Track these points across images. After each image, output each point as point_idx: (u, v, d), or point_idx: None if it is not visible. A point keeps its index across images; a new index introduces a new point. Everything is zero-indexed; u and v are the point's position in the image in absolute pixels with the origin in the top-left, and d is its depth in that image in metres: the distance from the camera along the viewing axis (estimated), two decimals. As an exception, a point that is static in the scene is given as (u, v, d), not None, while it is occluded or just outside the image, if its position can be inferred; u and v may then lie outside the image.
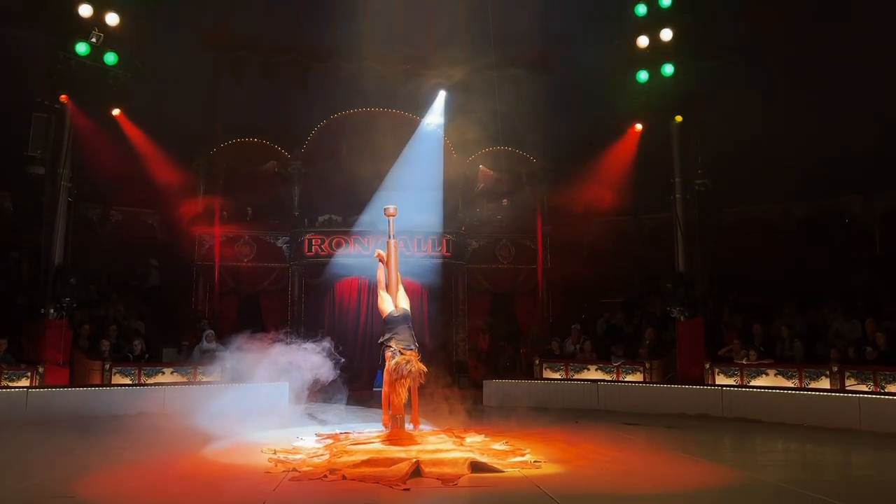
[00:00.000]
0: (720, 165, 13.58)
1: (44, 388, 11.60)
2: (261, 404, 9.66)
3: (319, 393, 10.32)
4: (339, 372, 9.74)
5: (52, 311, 12.20)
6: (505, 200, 16.90)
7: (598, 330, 14.77)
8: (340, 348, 9.90)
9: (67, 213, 12.71)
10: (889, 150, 12.95)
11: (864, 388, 10.49)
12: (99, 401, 11.60)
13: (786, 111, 13.88)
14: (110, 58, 12.70)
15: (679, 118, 13.59)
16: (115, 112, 13.79)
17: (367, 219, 15.06)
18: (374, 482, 6.43)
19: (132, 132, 14.21)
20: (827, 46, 13.65)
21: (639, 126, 14.55)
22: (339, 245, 15.29)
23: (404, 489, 6.16)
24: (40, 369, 11.70)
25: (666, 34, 13.21)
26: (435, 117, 15.87)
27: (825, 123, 13.25)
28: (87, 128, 12.96)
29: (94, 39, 12.39)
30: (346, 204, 15.57)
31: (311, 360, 9.74)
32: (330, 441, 8.60)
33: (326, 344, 9.81)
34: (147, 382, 12.45)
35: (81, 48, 12.40)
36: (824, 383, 10.94)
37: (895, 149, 12.83)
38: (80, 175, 13.00)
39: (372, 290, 15.61)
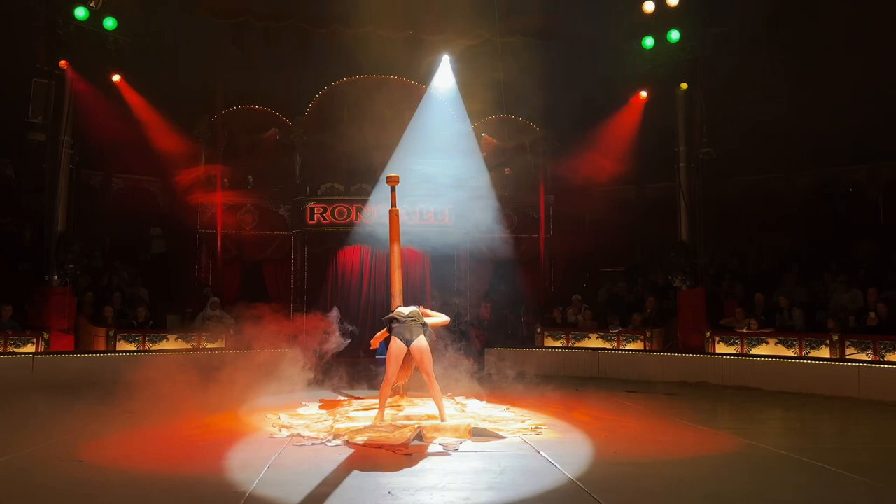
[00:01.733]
0: (725, 134, 13.47)
1: (49, 353, 11.72)
2: (266, 371, 9.73)
3: (324, 361, 10.39)
4: (345, 341, 9.79)
5: (55, 278, 12.25)
6: (507, 169, 16.83)
7: (600, 299, 14.82)
8: (350, 329, 9.90)
9: (69, 179, 12.68)
10: (894, 118, 12.83)
11: (863, 356, 10.55)
12: (104, 366, 11.71)
13: (791, 80, 13.73)
14: (109, 23, 12.58)
15: (684, 86, 13.43)
16: (115, 78, 13.70)
17: (368, 187, 15.03)
18: (376, 448, 6.52)
19: (132, 98, 14.12)
20: (832, 15, 13.46)
21: (643, 94, 14.41)
22: (341, 213, 15.27)
23: (406, 454, 6.24)
24: (45, 335, 11.80)
25: (672, -1, 13.02)
26: (441, 82, 15.68)
27: (830, 94, 13.11)
28: (88, 94, 12.87)
29: (92, 4, 12.25)
30: (349, 172, 15.50)
31: (318, 329, 9.80)
32: (333, 408, 8.70)
33: (335, 314, 9.85)
34: (151, 349, 12.55)
35: (80, 13, 12.27)
36: (824, 352, 10.99)
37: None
38: (81, 142, 12.94)
39: (375, 258, 15.68)
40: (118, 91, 13.87)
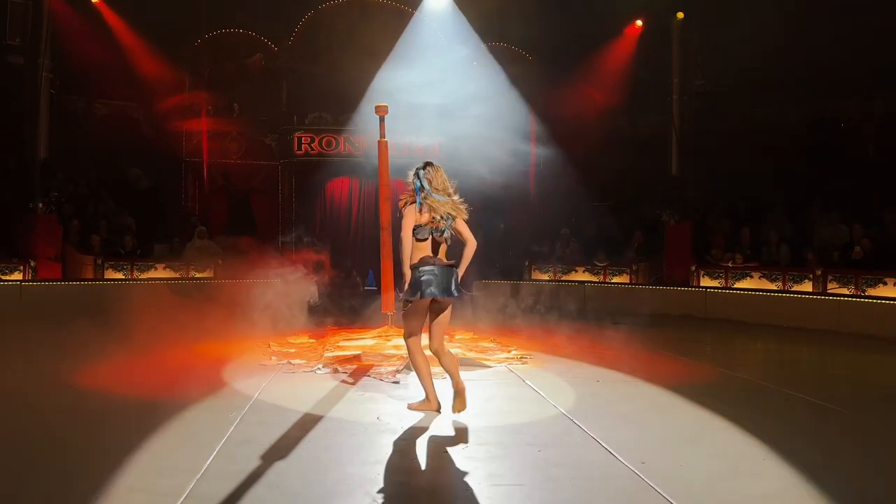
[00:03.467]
0: (718, 67, 13.27)
1: (37, 281, 11.71)
2: (255, 300, 9.77)
3: (315, 294, 10.44)
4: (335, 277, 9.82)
5: (40, 205, 12.12)
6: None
7: (588, 233, 14.87)
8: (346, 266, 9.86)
9: (50, 105, 12.39)
10: (889, 52, 12.64)
11: (845, 291, 10.73)
12: (92, 294, 11.74)
13: (787, 13, 13.43)
14: (86, -60, 12.07)
15: (680, 15, 13.14)
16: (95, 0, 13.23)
17: (357, 117, 14.77)
18: (365, 375, 6.63)
19: (113, 21, 13.67)
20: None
21: (639, 23, 14.10)
22: (329, 144, 15.07)
23: (394, 382, 6.36)
24: (32, 263, 11.76)
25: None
26: (434, 5, 15.16)
27: (827, 25, 12.86)
28: (67, 15, 12.44)
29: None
30: (337, 101, 15.22)
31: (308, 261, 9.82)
32: (323, 337, 8.81)
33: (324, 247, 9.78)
34: (140, 278, 12.57)
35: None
36: (807, 286, 11.16)
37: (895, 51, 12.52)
38: (61, 66, 12.58)
39: (364, 190, 15.56)
40: (98, 13, 13.41)
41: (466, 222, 5.25)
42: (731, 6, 13.38)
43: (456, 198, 5.22)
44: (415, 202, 5.16)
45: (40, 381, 6.33)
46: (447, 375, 5.28)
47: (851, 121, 14.32)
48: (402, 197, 5.25)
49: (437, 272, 5.05)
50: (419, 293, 5.02)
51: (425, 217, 5.11)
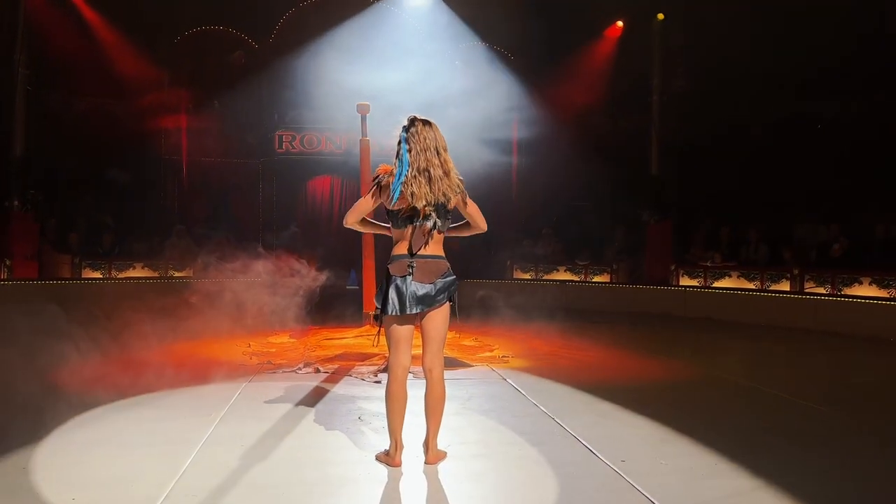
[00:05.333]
0: (698, 66, 13.39)
1: (13, 280, 11.54)
2: (235, 300, 9.69)
3: (296, 294, 10.38)
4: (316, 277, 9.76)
5: (16, 203, 11.95)
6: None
7: (569, 233, 14.94)
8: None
9: (26, 101, 12.22)
10: (865, 54, 12.82)
11: (821, 290, 10.88)
12: (70, 294, 11.59)
13: (765, 13, 13.58)
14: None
15: (661, 16, 13.25)
16: (72, -6, 13.07)
17: (339, 116, 14.69)
18: (346, 375, 6.62)
19: (91, 16, 13.49)
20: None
21: (620, 23, 14.19)
22: (310, 142, 14.99)
23: (375, 381, 6.35)
24: (8, 262, 11.61)
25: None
26: (417, 3, 15.12)
27: (803, 25, 13.01)
28: (43, 9, 12.27)
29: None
30: (318, 99, 15.13)
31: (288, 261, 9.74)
32: (304, 337, 8.78)
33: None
34: (118, 277, 12.43)
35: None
36: (785, 286, 11.31)
37: (871, 53, 12.70)
38: (37, 60, 12.40)
39: (346, 189, 15.50)
40: (76, 8, 13.23)
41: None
42: (711, 7, 13.47)
43: (454, 174, 3.96)
44: (385, 178, 3.87)
45: (15, 378, 6.23)
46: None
47: (829, 121, 14.49)
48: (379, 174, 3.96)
49: (412, 270, 3.82)
50: (381, 307, 3.85)
51: (403, 202, 3.82)
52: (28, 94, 12.24)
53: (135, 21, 13.88)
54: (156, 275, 12.68)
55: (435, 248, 3.91)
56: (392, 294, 3.82)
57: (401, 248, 3.89)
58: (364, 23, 14.88)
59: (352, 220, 4.06)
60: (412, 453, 4.22)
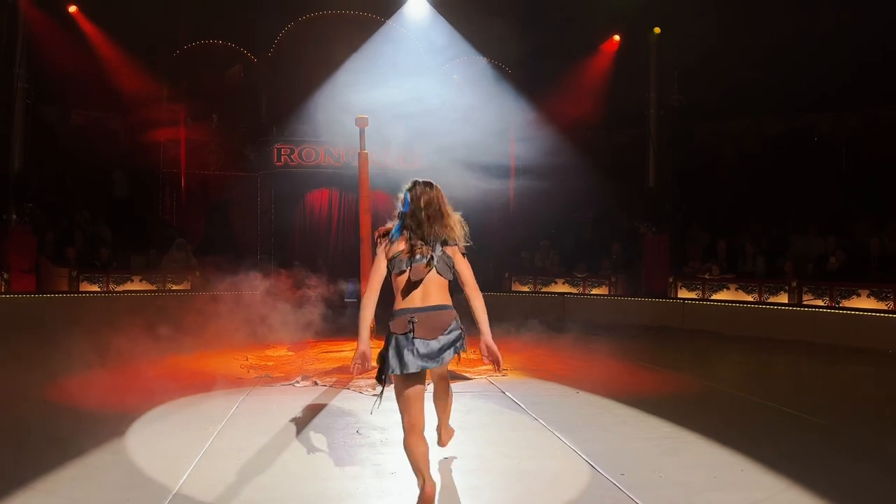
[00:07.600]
0: (694, 80, 13.47)
1: (10, 294, 11.52)
2: (233, 313, 9.67)
3: (294, 307, 10.37)
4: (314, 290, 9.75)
5: (14, 216, 11.95)
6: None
7: (567, 245, 14.96)
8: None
9: (25, 115, 12.25)
10: (861, 68, 12.91)
11: (820, 302, 10.88)
12: (68, 307, 11.56)
13: (761, 27, 13.67)
14: (64, -51, 11.99)
15: (657, 30, 13.34)
16: (72, 9, 13.10)
17: (337, 128, 14.73)
18: (344, 388, 6.60)
19: (90, 31, 13.54)
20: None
21: (616, 38, 14.28)
22: (308, 155, 15.01)
23: (374, 395, 6.32)
24: (5, 275, 11.58)
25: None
26: (414, 16, 15.20)
27: (799, 40, 13.11)
28: (43, 25, 12.31)
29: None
30: (317, 112, 15.19)
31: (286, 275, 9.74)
32: (302, 350, 8.75)
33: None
34: (116, 290, 12.41)
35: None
36: (783, 298, 11.31)
37: (868, 67, 12.79)
38: (37, 75, 12.45)
39: (344, 202, 15.49)
40: (75, 23, 13.29)
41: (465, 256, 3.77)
42: (708, 22, 13.57)
43: (456, 218, 3.78)
44: (388, 235, 3.73)
45: (13, 394, 6.21)
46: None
47: (824, 135, 14.57)
48: (379, 233, 3.81)
49: (413, 326, 3.53)
50: (386, 368, 3.56)
51: (401, 244, 3.65)
52: (27, 108, 12.26)
53: (134, 35, 13.93)
54: (153, 288, 12.66)
55: (439, 296, 3.64)
56: (391, 354, 3.54)
57: (401, 301, 3.62)
58: (363, 37, 14.95)
59: (375, 283, 3.67)
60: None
